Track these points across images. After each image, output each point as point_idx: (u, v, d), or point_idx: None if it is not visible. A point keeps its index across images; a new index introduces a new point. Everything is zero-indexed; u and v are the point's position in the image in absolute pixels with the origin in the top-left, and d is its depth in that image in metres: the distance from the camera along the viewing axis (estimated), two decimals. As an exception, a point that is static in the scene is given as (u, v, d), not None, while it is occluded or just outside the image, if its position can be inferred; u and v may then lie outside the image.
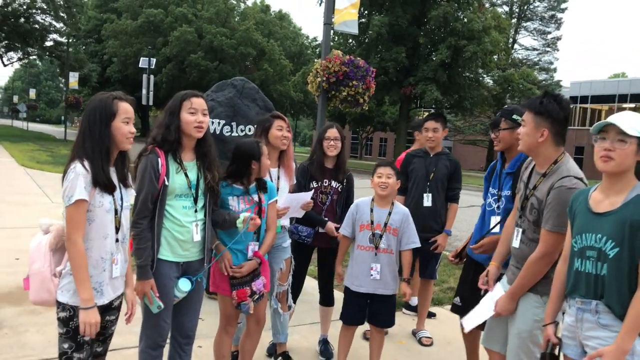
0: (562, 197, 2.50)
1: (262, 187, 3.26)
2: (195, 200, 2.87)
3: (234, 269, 3.09)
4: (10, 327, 4.18)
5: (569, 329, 2.35)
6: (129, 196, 2.60)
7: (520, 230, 2.76)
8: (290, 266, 3.86)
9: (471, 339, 3.60)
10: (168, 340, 3.00)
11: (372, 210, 3.62)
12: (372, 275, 3.55)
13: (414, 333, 4.68)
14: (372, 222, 3.59)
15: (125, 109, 2.44)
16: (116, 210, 2.46)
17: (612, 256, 2.16)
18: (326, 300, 4.18)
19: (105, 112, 2.39)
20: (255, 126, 5.03)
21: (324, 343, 4.17)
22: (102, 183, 2.36)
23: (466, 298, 3.43)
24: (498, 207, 3.38)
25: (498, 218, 3.36)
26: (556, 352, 2.44)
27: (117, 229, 2.48)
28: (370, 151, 58.38)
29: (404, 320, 5.00)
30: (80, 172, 2.31)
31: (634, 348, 2.11)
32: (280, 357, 3.86)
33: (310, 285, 4.95)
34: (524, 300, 2.67)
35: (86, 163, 2.33)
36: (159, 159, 2.76)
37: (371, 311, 3.64)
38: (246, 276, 3.10)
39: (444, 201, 4.47)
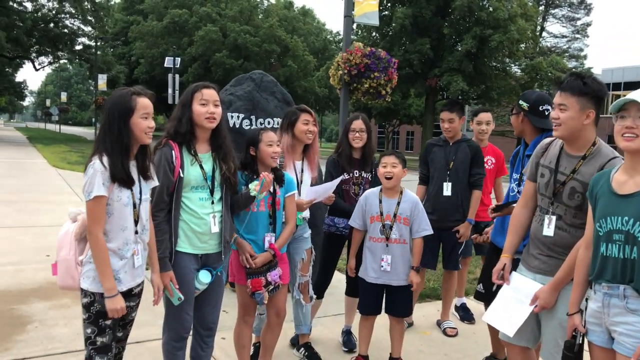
0: None
1: (278, 178, 3.26)
2: (212, 192, 2.89)
3: (248, 261, 3.10)
4: (40, 321, 4.29)
5: (594, 315, 2.27)
6: (149, 188, 2.64)
7: (554, 217, 2.64)
8: (312, 256, 3.86)
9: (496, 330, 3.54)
10: (191, 332, 3.03)
11: (380, 201, 3.59)
12: (382, 266, 3.54)
13: (439, 324, 4.63)
14: (381, 213, 3.56)
15: (144, 104, 2.47)
16: (134, 204, 2.51)
17: None
18: (353, 290, 4.16)
19: (124, 108, 2.43)
20: (274, 119, 5.07)
21: (347, 334, 4.16)
22: (120, 178, 2.41)
23: (489, 285, 3.36)
24: (519, 192, 3.30)
25: None
26: (580, 340, 2.37)
27: (136, 222, 2.53)
28: (397, 145, 57.97)
29: (428, 311, 4.95)
30: (98, 168, 2.37)
31: None
32: (302, 348, 3.86)
33: (336, 277, 4.94)
34: (565, 289, 2.56)
35: (105, 159, 2.39)
36: (173, 152, 2.78)
37: (387, 301, 3.65)
38: (262, 266, 3.11)
39: (466, 190, 4.38)
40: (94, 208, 2.38)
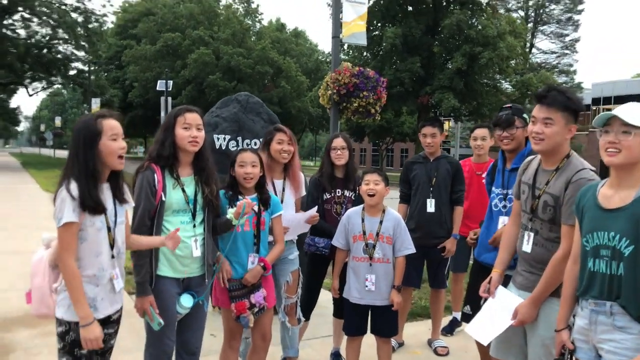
0: None
1: (264, 200, 3.25)
2: (194, 215, 2.87)
3: (240, 280, 3.08)
4: (24, 350, 4.23)
5: (581, 331, 2.24)
6: (124, 211, 2.59)
7: (532, 233, 2.66)
8: (299, 279, 3.82)
9: (485, 346, 3.50)
10: (173, 358, 2.98)
11: (363, 220, 3.56)
12: (367, 286, 3.49)
13: (430, 343, 4.58)
14: (364, 232, 3.53)
15: (111, 125, 2.43)
16: (109, 228, 2.46)
17: (628, 254, 2.06)
18: (340, 312, 4.12)
19: (89, 134, 2.39)
20: (261, 139, 5.07)
21: (336, 356, 4.10)
22: (89, 207, 2.36)
23: (477, 306, 3.33)
24: (504, 207, 3.32)
25: (506, 218, 3.26)
26: (570, 358, 2.34)
27: (112, 245, 2.49)
28: (392, 162, 58.13)
29: (419, 330, 4.90)
30: (65, 197, 2.32)
31: None
32: (290, 372, 3.81)
33: (326, 298, 4.90)
34: (546, 305, 2.55)
35: (73, 186, 2.33)
36: (155, 175, 2.77)
37: (372, 322, 3.60)
38: (244, 288, 3.07)
39: (448, 206, 4.38)
40: (65, 235, 2.32)
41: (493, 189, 3.44)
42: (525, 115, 3.27)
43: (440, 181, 4.35)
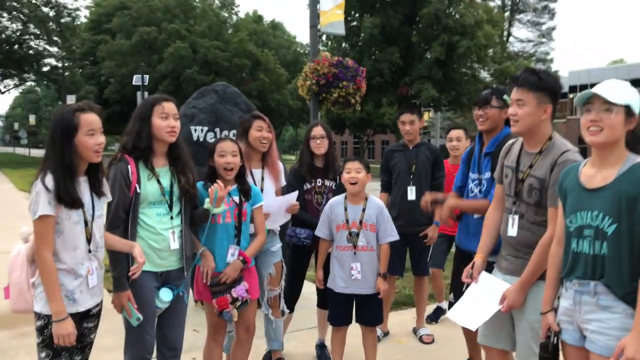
0: None
1: (244, 191, 3.18)
2: (170, 207, 2.79)
3: (221, 276, 3.00)
4: (1, 351, 4.10)
5: (566, 312, 2.23)
6: (102, 205, 2.52)
7: (517, 216, 2.62)
8: (282, 271, 3.76)
9: (472, 333, 3.47)
10: (155, 354, 2.90)
11: (345, 209, 3.51)
12: (352, 275, 3.45)
13: (415, 331, 4.56)
14: (347, 221, 3.48)
15: (88, 120, 2.36)
16: (86, 222, 2.40)
17: (611, 233, 2.05)
18: (324, 302, 4.07)
19: (66, 127, 2.32)
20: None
21: (321, 347, 4.06)
22: (66, 201, 2.30)
23: (460, 294, 3.28)
24: (480, 191, 3.27)
25: None
26: (556, 341, 2.31)
27: (89, 240, 2.42)
28: (373, 154, 58.28)
29: (404, 319, 4.89)
30: (40, 189, 2.27)
31: None
32: (275, 364, 3.76)
33: (309, 290, 4.85)
34: (533, 289, 2.53)
35: (48, 179, 2.28)
36: (129, 166, 2.68)
37: (357, 311, 3.56)
38: (224, 283, 3.00)
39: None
40: (41, 228, 2.27)
41: (470, 173, 3.38)
42: (505, 97, 3.20)
43: (420, 168, 4.32)
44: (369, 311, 3.53)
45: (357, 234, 3.46)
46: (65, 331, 2.30)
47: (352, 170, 3.43)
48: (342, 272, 3.49)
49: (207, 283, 3.01)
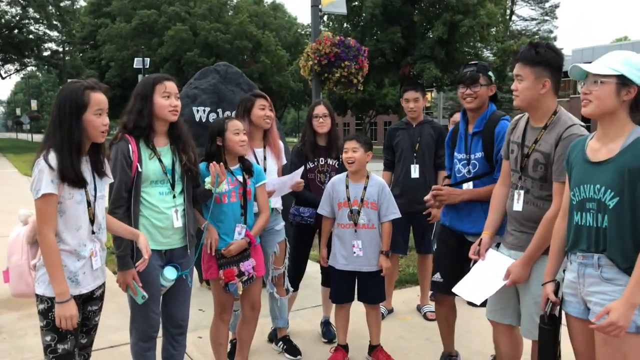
0: None
1: (247, 169, 3.18)
2: (173, 186, 2.78)
3: (223, 250, 3.02)
4: (9, 332, 4.15)
5: (570, 285, 2.23)
6: (104, 185, 2.51)
7: (522, 191, 2.62)
8: (286, 249, 3.78)
9: (447, 311, 3.40)
10: (161, 332, 2.92)
11: (347, 187, 3.51)
12: (354, 252, 3.45)
13: (419, 308, 4.59)
14: (348, 199, 3.48)
15: (98, 100, 2.33)
16: (89, 202, 2.37)
17: (612, 206, 2.04)
18: (328, 281, 4.09)
19: (76, 104, 2.28)
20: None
21: (326, 324, 4.09)
22: (70, 179, 2.27)
23: (448, 273, 3.19)
24: (469, 172, 3.18)
25: (471, 184, 3.16)
26: (556, 312, 2.33)
27: (92, 221, 2.40)
28: (375, 135, 58.10)
29: (408, 297, 4.92)
30: (43, 167, 2.22)
31: None
32: (280, 342, 3.79)
33: (314, 269, 4.88)
34: (538, 263, 2.53)
35: (52, 156, 2.24)
36: (130, 146, 2.67)
37: (359, 288, 3.56)
38: (234, 256, 3.02)
39: (432, 171, 4.34)
40: (43, 206, 2.23)
41: (455, 153, 3.28)
42: (490, 73, 3.16)
43: (424, 146, 4.30)
44: (371, 289, 3.53)
45: (359, 212, 3.46)
46: (68, 312, 2.26)
47: (349, 150, 3.44)
48: (343, 250, 3.49)
49: (212, 254, 3.03)
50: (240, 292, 3.06)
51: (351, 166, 3.45)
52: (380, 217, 3.50)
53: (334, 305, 3.73)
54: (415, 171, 4.27)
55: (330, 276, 3.73)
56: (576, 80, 2.25)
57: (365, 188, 3.49)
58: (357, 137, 3.50)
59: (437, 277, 3.32)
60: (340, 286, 3.57)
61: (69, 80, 2.50)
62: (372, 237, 3.48)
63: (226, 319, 3.30)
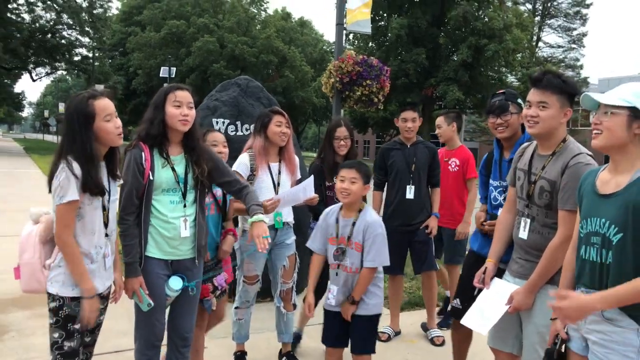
0: (580, 174, 2.33)
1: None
2: (184, 195, 2.81)
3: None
4: (17, 330, 4.21)
5: None
6: (116, 188, 2.59)
7: (528, 220, 2.59)
8: (295, 263, 3.78)
9: (462, 338, 3.40)
10: (165, 342, 2.94)
11: (337, 221, 3.07)
12: (328, 298, 3.08)
13: (425, 328, 4.54)
14: (337, 235, 3.06)
15: (103, 106, 2.40)
16: (104, 207, 2.47)
17: (616, 242, 1.98)
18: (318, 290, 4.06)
19: (83, 117, 2.36)
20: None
21: (297, 338, 4.05)
22: (92, 190, 2.37)
23: (468, 301, 3.04)
24: (505, 199, 3.12)
25: None
26: (563, 348, 2.28)
27: (106, 224, 2.50)
28: (394, 155, 57.89)
29: (416, 320, 4.85)
30: (69, 175, 2.31)
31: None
32: (284, 358, 3.77)
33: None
34: (542, 292, 2.50)
35: (75, 166, 2.33)
36: (143, 153, 2.71)
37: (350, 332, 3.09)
38: (208, 271, 3.10)
39: (426, 190, 4.38)
40: (66, 212, 2.32)
41: (491, 181, 3.24)
42: (519, 101, 3.11)
43: (420, 167, 4.32)
44: (358, 335, 3.05)
45: (344, 252, 3.03)
46: (95, 307, 2.41)
47: (347, 180, 2.97)
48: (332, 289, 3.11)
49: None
50: (214, 308, 3.13)
51: (345, 198, 2.98)
52: (362, 262, 3.00)
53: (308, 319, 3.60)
54: (410, 192, 4.28)
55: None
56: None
57: (353, 224, 3.00)
58: (358, 166, 3.04)
59: (457, 303, 3.24)
60: (329, 328, 3.15)
61: (72, 94, 2.58)
62: (350, 281, 3.03)
63: (202, 326, 3.37)
